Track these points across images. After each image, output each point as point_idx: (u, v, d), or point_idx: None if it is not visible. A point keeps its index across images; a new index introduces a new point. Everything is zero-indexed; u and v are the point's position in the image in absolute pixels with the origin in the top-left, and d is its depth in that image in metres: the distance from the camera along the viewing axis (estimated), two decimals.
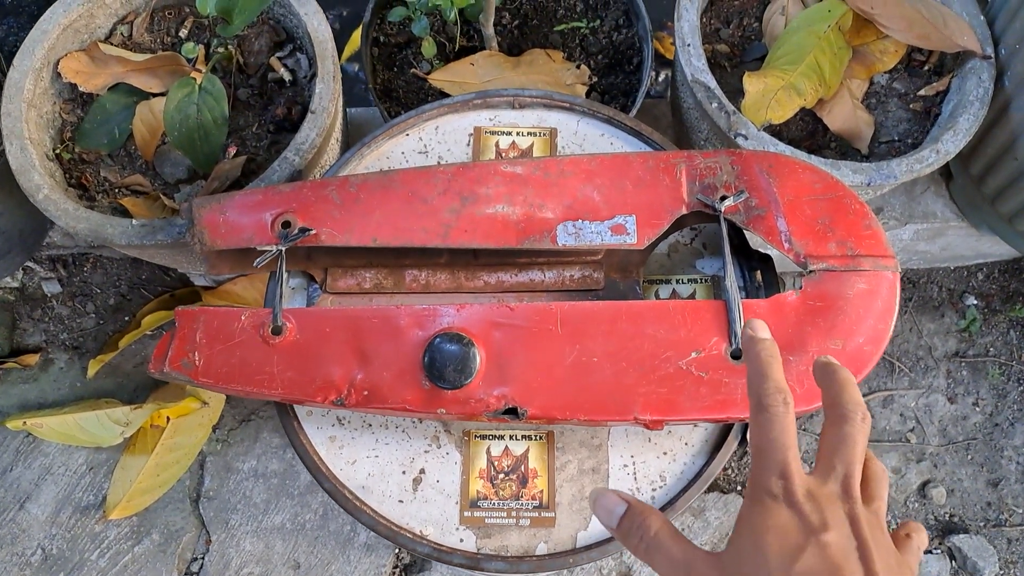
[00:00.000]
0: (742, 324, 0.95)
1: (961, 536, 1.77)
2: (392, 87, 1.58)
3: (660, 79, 2.07)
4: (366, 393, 0.96)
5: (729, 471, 1.82)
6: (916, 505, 1.80)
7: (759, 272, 1.07)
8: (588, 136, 1.18)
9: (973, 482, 1.83)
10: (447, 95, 1.53)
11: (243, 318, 0.99)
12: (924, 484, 1.82)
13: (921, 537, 0.67)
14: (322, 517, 1.73)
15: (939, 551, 1.78)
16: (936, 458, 1.84)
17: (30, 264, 1.83)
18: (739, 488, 1.79)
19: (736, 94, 1.41)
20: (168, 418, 1.72)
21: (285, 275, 1.03)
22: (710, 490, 1.77)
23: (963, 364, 1.90)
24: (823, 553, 0.58)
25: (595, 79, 1.56)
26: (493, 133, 1.18)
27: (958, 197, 1.70)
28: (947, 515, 1.81)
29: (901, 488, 1.81)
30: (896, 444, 1.84)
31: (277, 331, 0.98)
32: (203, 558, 1.73)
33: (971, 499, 1.82)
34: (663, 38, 2.01)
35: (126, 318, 1.86)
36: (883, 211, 1.70)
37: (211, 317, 0.99)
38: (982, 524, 1.80)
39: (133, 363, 1.83)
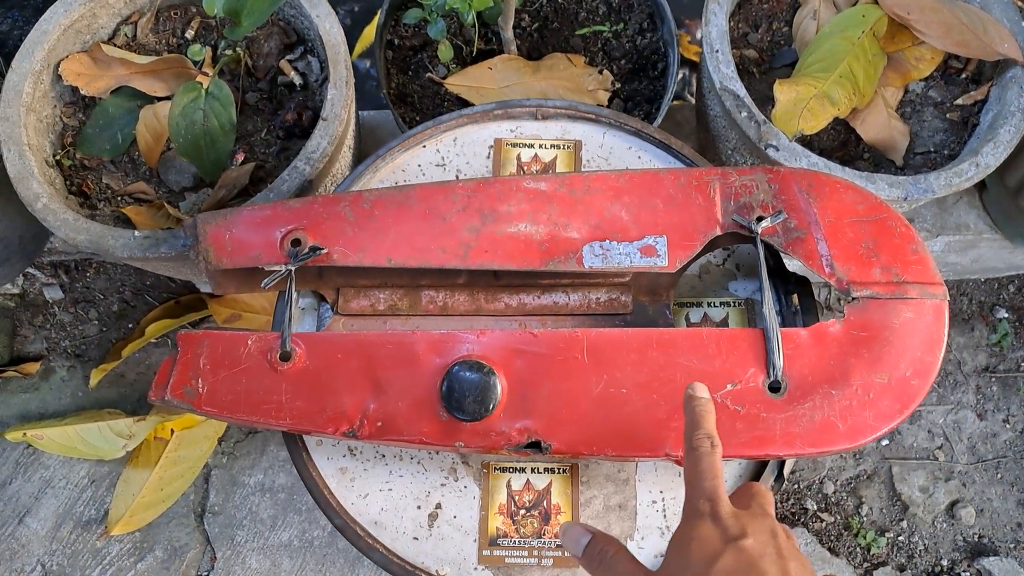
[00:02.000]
0: (781, 354, 0.89)
1: (991, 559, 1.72)
2: (407, 91, 1.52)
3: (679, 78, 2.01)
4: (380, 424, 0.90)
5: None
6: (944, 526, 1.75)
7: (795, 295, 1.01)
8: (615, 149, 1.13)
9: (1003, 502, 1.77)
10: (464, 100, 1.48)
11: (250, 343, 0.93)
12: (952, 504, 1.76)
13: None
14: (331, 534, 1.68)
15: (968, 573, 1.72)
16: (965, 477, 1.78)
17: (31, 270, 1.78)
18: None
19: (765, 101, 1.36)
20: (172, 430, 1.67)
21: (295, 296, 0.97)
22: None
23: (993, 379, 1.84)
24: (740, 555, 0.67)
25: (618, 85, 1.50)
26: (514, 145, 1.12)
27: (992, 208, 1.64)
28: (976, 536, 1.75)
29: (929, 508, 1.75)
30: (924, 462, 1.78)
31: (286, 357, 0.92)
32: (208, 575, 1.67)
33: (1001, 520, 1.76)
34: (681, 37, 1.95)
35: (130, 325, 1.80)
36: (914, 222, 1.64)
37: (216, 341, 0.93)
38: (1012, 546, 1.74)
39: (136, 372, 1.77)
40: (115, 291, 1.82)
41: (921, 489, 1.77)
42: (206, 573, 1.67)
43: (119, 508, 1.65)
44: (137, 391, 1.76)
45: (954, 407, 1.83)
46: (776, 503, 1.72)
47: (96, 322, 1.81)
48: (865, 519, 1.74)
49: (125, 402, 1.75)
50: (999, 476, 1.78)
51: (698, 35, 1.98)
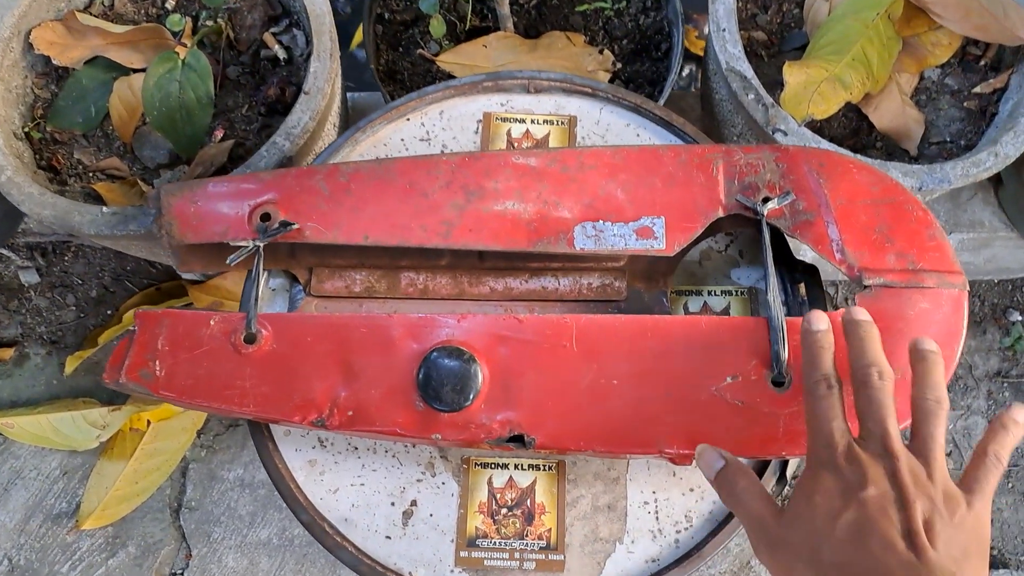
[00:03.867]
0: (786, 345, 0.82)
1: (1001, 572, 1.65)
2: (397, 69, 1.45)
3: (685, 73, 1.95)
4: (351, 413, 0.83)
5: None
6: None
7: (803, 284, 0.94)
8: (612, 126, 1.06)
9: (1014, 513, 1.70)
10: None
11: (213, 323, 0.86)
12: None
13: (1000, 443, 0.71)
14: None
15: None
16: None
17: (5, 252, 1.71)
18: None
19: (774, 86, 1.29)
20: (149, 421, 1.60)
21: (262, 275, 0.90)
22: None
23: (1006, 384, 1.77)
24: (861, 510, 0.66)
25: (619, 66, 1.43)
26: (505, 120, 1.06)
27: (1008, 205, 1.57)
28: None
29: None
30: None
31: (251, 339, 0.85)
32: (182, 573, 1.61)
33: (1011, 531, 1.69)
34: (688, 31, 1.88)
35: (108, 311, 1.74)
36: None
37: (176, 321, 0.87)
38: (1023, 558, 1.67)
39: None
40: (94, 276, 1.75)
41: None
42: (180, 571, 1.61)
43: (91, 501, 1.59)
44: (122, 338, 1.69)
45: (964, 413, 1.76)
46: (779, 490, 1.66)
47: (73, 308, 1.74)
48: None
49: (101, 391, 1.68)
50: (1010, 486, 1.72)
51: (705, 30, 1.92)
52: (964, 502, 0.67)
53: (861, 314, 0.77)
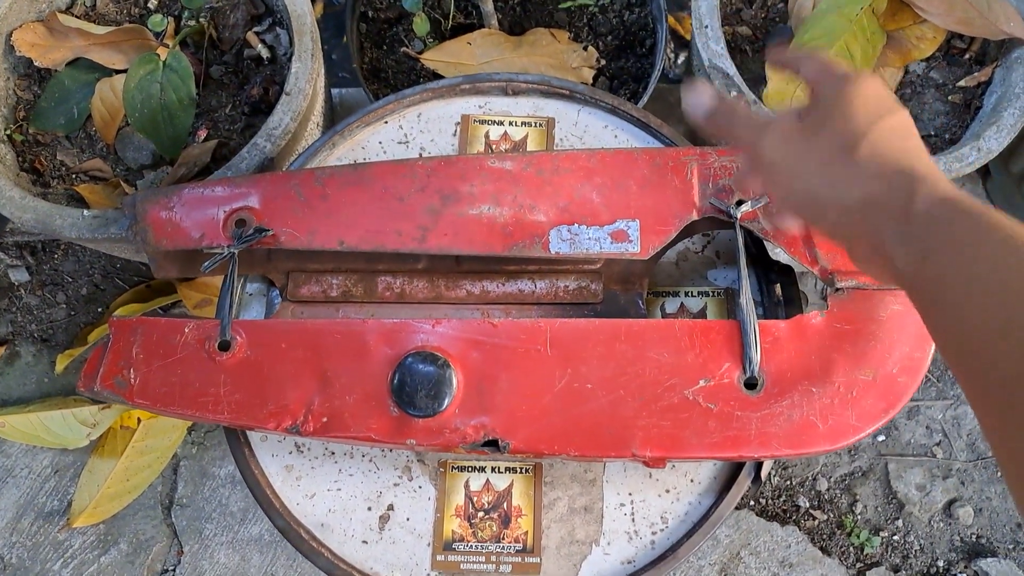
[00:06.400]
0: (758, 348, 0.82)
1: (988, 560, 1.65)
2: (381, 67, 1.45)
3: (679, 61, 1.94)
4: (325, 420, 0.84)
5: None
6: (941, 525, 1.68)
7: (778, 285, 0.94)
8: (590, 127, 1.06)
9: (1003, 501, 1.70)
10: (441, 77, 1.41)
11: (187, 331, 0.86)
12: (950, 503, 1.69)
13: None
14: None
15: (964, 575, 1.65)
16: (964, 475, 1.71)
17: None
18: (750, 504, 1.67)
19: (758, 81, 1.29)
20: (139, 419, 1.60)
21: (237, 281, 0.90)
22: None
23: None
24: (905, 119, 0.68)
25: (603, 62, 1.43)
26: (483, 122, 1.06)
27: (995, 197, 1.57)
28: (974, 536, 1.68)
29: (926, 507, 1.68)
30: (921, 459, 1.71)
31: (225, 346, 0.86)
32: (174, 570, 1.61)
33: (1000, 520, 1.69)
34: (683, 18, 1.87)
35: (99, 309, 1.74)
36: None
37: (150, 328, 0.87)
38: (1011, 547, 1.67)
39: None
40: (84, 273, 1.75)
41: (918, 487, 1.70)
42: (172, 567, 1.61)
43: (83, 499, 1.59)
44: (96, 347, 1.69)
45: (953, 402, 1.76)
46: (756, 503, 1.66)
47: (64, 305, 1.75)
48: (859, 518, 1.67)
49: None
50: (998, 474, 1.71)
51: None
52: None
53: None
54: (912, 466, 1.72)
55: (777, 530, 1.63)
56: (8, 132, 1.27)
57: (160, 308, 1.69)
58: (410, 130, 1.06)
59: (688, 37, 1.86)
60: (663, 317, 0.96)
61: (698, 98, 0.76)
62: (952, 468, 1.71)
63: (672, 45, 1.41)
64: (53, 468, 1.65)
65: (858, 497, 1.68)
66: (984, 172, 1.57)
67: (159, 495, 1.65)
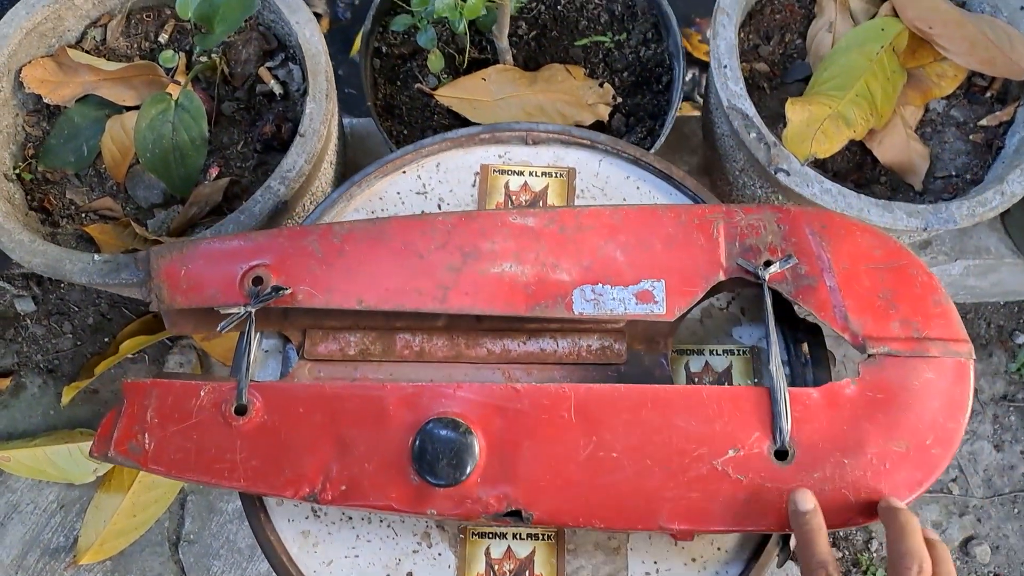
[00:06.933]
0: (788, 418, 0.80)
1: None
2: (394, 103, 1.43)
3: (688, 78, 1.92)
4: (344, 488, 0.82)
5: None
6: (958, 563, 1.66)
7: (805, 344, 0.92)
8: (611, 178, 1.04)
9: (1020, 539, 1.68)
10: (455, 113, 1.39)
11: (203, 394, 0.85)
12: (967, 540, 1.67)
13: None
14: None
15: None
16: (980, 511, 1.69)
17: (0, 281, 1.69)
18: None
19: (776, 119, 1.27)
20: None
21: (254, 342, 0.88)
22: None
23: (1011, 409, 1.75)
24: None
25: (619, 99, 1.41)
26: (503, 172, 1.03)
27: (1014, 231, 1.55)
28: (991, 575, 1.66)
29: None
30: (937, 495, 1.69)
31: (241, 411, 0.84)
32: None
33: (1018, 557, 1.67)
34: (691, 35, 1.86)
35: (106, 339, 1.72)
36: (931, 245, 1.56)
37: (165, 392, 0.85)
38: None
39: (110, 390, 1.69)
40: (91, 303, 1.73)
41: (934, 524, 1.68)
42: None
43: (89, 535, 1.57)
44: (111, 410, 1.68)
45: (970, 437, 1.74)
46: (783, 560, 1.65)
47: (70, 336, 1.73)
48: (875, 555, 1.65)
49: (98, 421, 1.65)
50: (1016, 511, 1.70)
51: (708, 33, 1.88)
52: None
53: (897, 501, 0.78)
54: (928, 503, 1.70)
55: (793, 569, 1.61)
56: (17, 170, 1.25)
57: (168, 340, 1.67)
58: (428, 180, 1.04)
59: (696, 54, 1.84)
60: (687, 375, 0.94)
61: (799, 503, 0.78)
62: (969, 505, 1.70)
63: (682, 81, 1.39)
64: (59, 503, 1.63)
65: (873, 534, 1.66)
66: (1005, 215, 1.55)
67: (166, 531, 1.63)
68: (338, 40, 1.80)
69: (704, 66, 1.89)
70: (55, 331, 1.73)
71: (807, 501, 0.77)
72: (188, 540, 1.62)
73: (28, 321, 1.72)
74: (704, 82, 1.90)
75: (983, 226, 1.58)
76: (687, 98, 1.85)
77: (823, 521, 0.76)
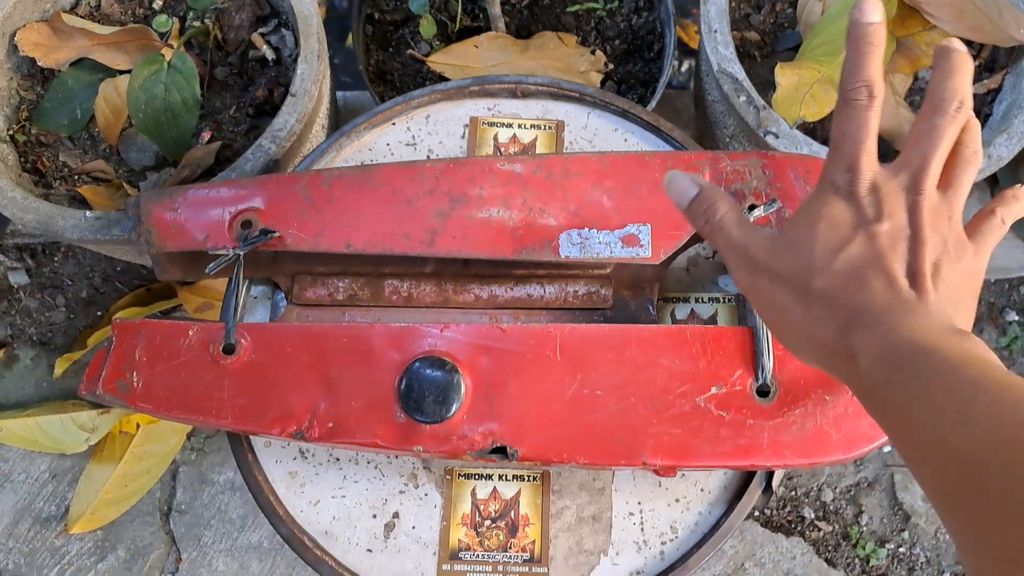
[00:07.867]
0: (771, 355, 0.81)
1: None
2: (387, 69, 1.44)
3: (683, 69, 1.93)
4: (330, 425, 0.82)
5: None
6: (947, 537, 1.66)
7: None
8: (599, 131, 1.04)
9: None
10: (447, 80, 1.39)
11: (191, 333, 0.85)
12: None
13: (1008, 208, 0.68)
14: None
15: None
16: None
17: None
18: (756, 515, 1.65)
19: (766, 87, 1.27)
20: (138, 424, 1.59)
21: (242, 284, 0.89)
22: None
23: None
24: (870, 243, 0.62)
25: (611, 66, 1.41)
26: (491, 124, 1.04)
27: None
28: None
29: (932, 519, 1.67)
30: None
31: (229, 350, 0.84)
32: None
33: None
34: (687, 25, 1.86)
35: (99, 312, 1.72)
36: None
37: (153, 331, 0.85)
38: None
39: None
40: (84, 276, 1.74)
41: (924, 498, 1.69)
42: (170, 575, 1.59)
43: (81, 505, 1.58)
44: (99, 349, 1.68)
45: None
46: (762, 514, 1.65)
47: (63, 308, 1.73)
48: (865, 529, 1.65)
49: None
50: None
51: None
52: (972, 250, 0.64)
53: (958, 43, 0.65)
54: (913, 483, 1.70)
55: (782, 541, 1.62)
56: (11, 132, 1.25)
57: (160, 312, 1.68)
58: (418, 132, 1.05)
59: (692, 45, 1.85)
60: (674, 323, 0.95)
61: (679, 188, 0.73)
62: None
63: (676, 52, 1.40)
64: (51, 473, 1.63)
65: (864, 508, 1.67)
66: (992, 180, 1.56)
67: (157, 501, 1.63)
68: (334, 28, 1.81)
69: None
70: (48, 304, 1.73)
71: (875, 12, 0.65)
72: (179, 510, 1.62)
73: (22, 293, 1.73)
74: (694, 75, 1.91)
75: (973, 200, 1.57)
76: (680, 88, 1.85)
77: (884, 42, 0.65)
